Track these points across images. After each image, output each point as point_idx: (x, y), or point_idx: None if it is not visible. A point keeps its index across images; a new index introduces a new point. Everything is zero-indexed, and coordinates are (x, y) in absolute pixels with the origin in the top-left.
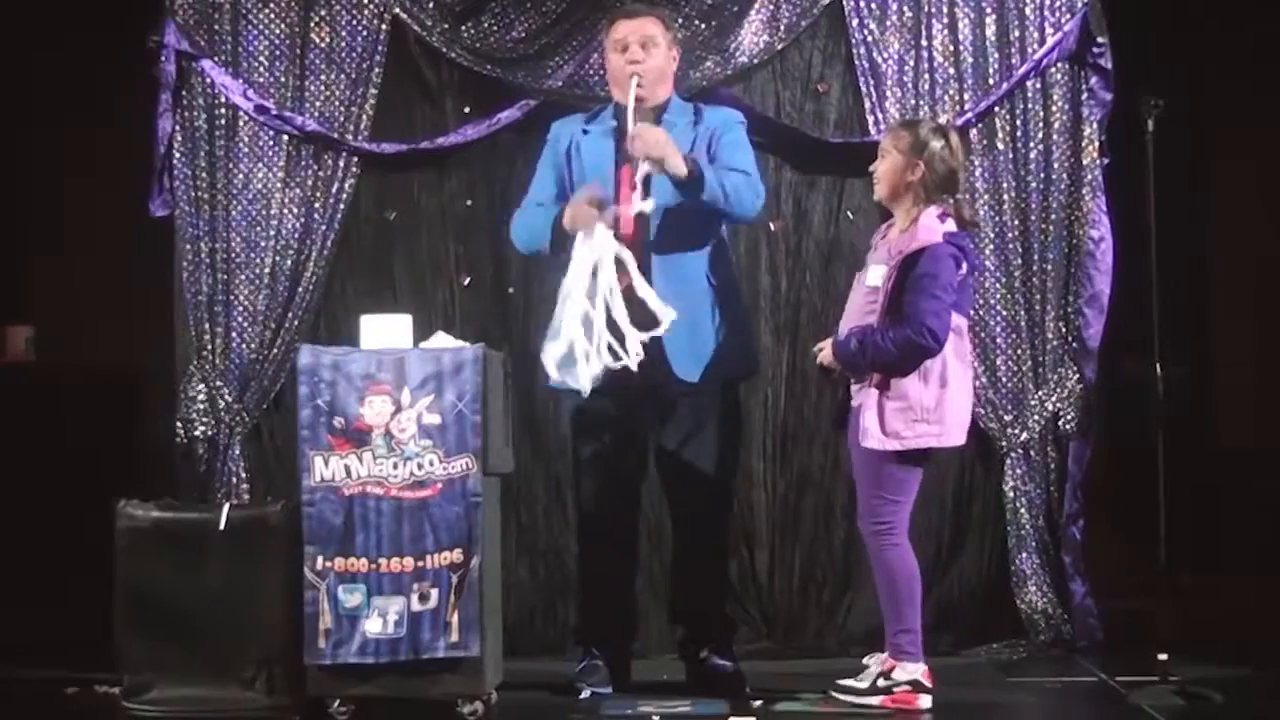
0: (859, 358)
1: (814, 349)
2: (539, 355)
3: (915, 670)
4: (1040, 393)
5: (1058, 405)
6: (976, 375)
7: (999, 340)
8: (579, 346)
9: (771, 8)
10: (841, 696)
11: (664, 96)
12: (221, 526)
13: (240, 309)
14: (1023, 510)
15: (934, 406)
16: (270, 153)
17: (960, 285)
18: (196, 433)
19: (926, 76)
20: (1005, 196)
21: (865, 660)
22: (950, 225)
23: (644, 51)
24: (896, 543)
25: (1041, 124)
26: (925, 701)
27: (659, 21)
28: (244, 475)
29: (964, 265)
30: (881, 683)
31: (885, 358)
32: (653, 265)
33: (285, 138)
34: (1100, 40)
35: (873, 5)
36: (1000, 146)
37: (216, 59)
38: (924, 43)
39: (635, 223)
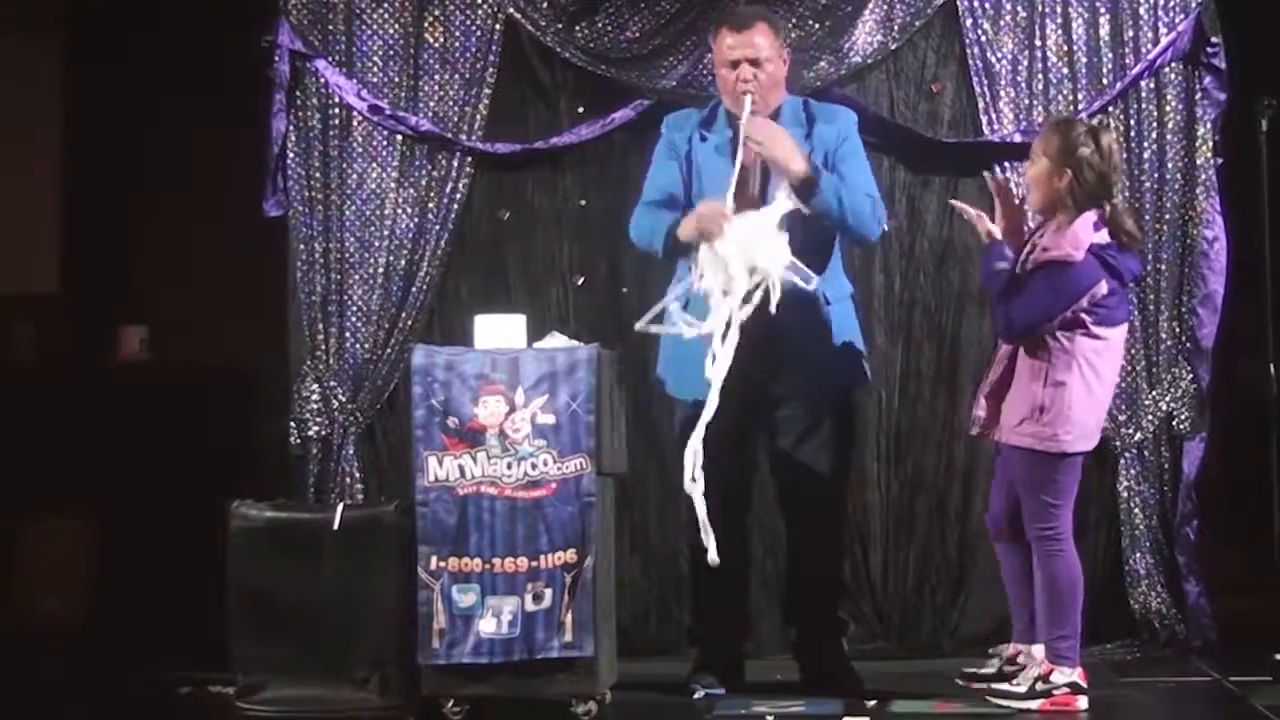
0: (991, 269)
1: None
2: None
3: (1073, 673)
4: (1154, 393)
5: (1171, 405)
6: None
7: None
8: (714, 344)
9: (885, 8)
10: (999, 701)
11: (777, 103)
12: (335, 527)
13: (354, 309)
14: (1137, 510)
15: (1047, 407)
16: (384, 153)
17: (1105, 297)
18: (310, 433)
19: (1040, 76)
20: (1119, 196)
21: (990, 651)
22: (1103, 235)
23: (754, 68)
24: (1062, 549)
25: (1155, 124)
26: (1083, 702)
27: (768, 29)
28: (357, 475)
29: (1105, 282)
30: (1040, 686)
31: (996, 295)
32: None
33: (399, 138)
34: (1214, 40)
35: (987, 5)
36: None
37: (330, 59)
38: (1038, 42)
39: None
